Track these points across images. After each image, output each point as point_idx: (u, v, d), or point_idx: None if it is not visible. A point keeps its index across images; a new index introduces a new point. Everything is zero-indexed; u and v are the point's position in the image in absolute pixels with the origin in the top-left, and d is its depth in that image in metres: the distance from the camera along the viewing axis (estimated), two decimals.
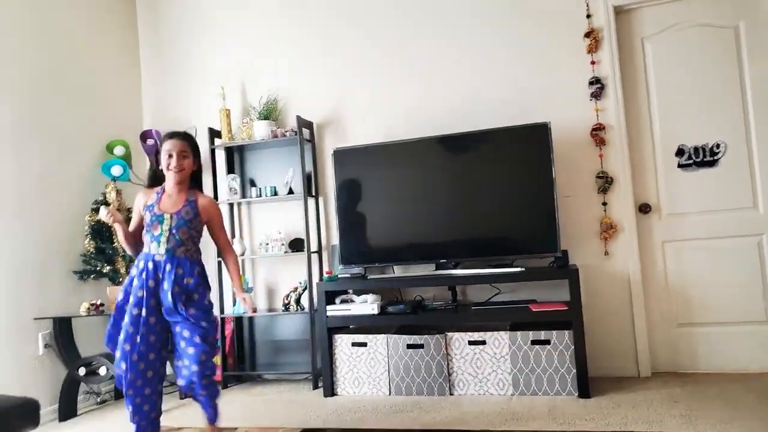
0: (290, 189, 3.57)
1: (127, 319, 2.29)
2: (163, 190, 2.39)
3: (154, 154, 2.43)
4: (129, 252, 2.47)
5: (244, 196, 3.73)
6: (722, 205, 3.15)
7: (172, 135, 2.39)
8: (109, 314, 3.23)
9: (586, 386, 2.84)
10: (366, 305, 3.19)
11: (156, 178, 2.46)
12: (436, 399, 3.01)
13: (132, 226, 2.46)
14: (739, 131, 3.13)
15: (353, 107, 3.66)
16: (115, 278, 3.46)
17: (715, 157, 3.16)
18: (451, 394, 3.06)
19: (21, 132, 3.19)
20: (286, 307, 3.53)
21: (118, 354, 2.30)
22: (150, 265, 2.31)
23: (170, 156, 2.33)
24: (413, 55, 3.56)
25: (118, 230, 2.41)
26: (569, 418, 2.55)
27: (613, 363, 3.19)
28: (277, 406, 3.10)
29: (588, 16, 3.26)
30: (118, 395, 3.47)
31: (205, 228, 2.46)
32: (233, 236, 3.78)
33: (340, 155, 3.38)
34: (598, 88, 3.21)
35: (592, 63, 3.25)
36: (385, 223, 3.33)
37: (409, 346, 3.11)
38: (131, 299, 2.30)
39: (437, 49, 3.52)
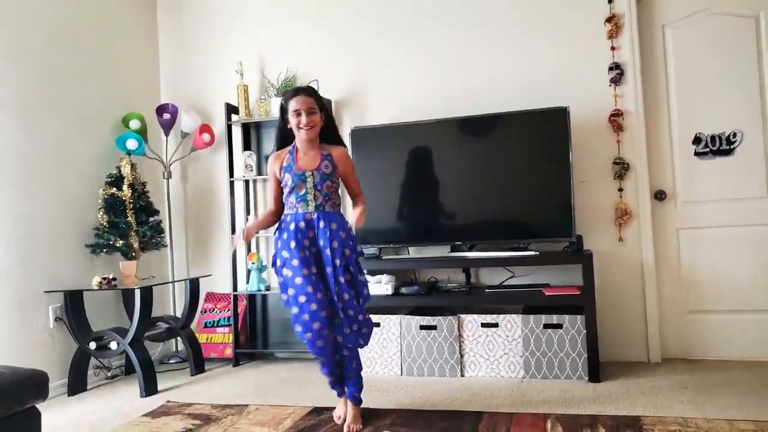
0: None
1: (299, 280, 2.24)
2: (296, 149, 2.35)
3: (280, 113, 2.34)
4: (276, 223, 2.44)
5: (259, 173, 3.72)
6: (737, 194, 3.15)
7: (297, 91, 2.31)
8: (122, 288, 3.28)
9: (596, 371, 2.87)
10: (380, 285, 3.20)
11: (285, 138, 2.39)
12: (448, 380, 3.03)
13: (273, 197, 2.43)
14: (756, 121, 3.13)
15: (372, 86, 3.64)
16: (127, 253, 3.45)
17: (732, 146, 3.16)
18: (463, 375, 3.08)
19: (35, 103, 3.17)
20: None
21: (302, 317, 2.23)
22: (302, 224, 2.29)
23: (299, 114, 2.27)
24: (434, 35, 3.54)
25: (257, 225, 2.41)
26: (579, 402, 2.57)
27: (624, 348, 3.21)
28: (288, 384, 3.12)
29: (609, 1, 3.23)
30: (129, 370, 3.48)
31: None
32: (248, 213, 3.78)
33: (358, 134, 3.37)
34: (617, 73, 3.20)
35: (612, 49, 3.23)
36: (401, 204, 3.34)
37: (422, 327, 3.12)
38: (294, 262, 2.26)
39: (458, 30, 3.50)
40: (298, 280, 2.25)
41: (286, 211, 2.37)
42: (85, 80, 3.49)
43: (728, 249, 3.16)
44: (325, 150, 2.36)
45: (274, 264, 2.38)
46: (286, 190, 2.34)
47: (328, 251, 2.28)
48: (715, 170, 3.18)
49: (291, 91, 2.35)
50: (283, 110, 2.33)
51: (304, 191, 2.29)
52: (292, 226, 2.30)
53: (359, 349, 2.44)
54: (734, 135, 3.16)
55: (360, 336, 2.38)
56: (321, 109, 2.33)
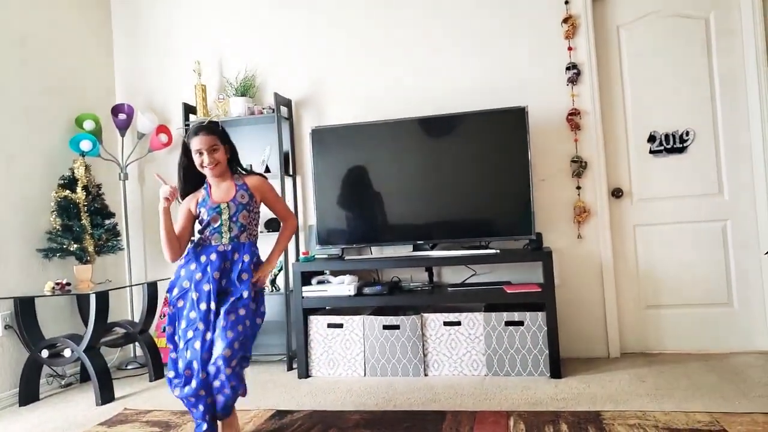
0: (267, 167, 3.51)
1: (194, 314, 2.18)
2: (209, 185, 2.29)
3: (182, 151, 2.28)
4: (168, 255, 2.29)
5: None
6: (690, 190, 3.24)
7: (197, 131, 2.23)
8: (76, 294, 3.18)
9: (557, 367, 2.90)
10: (343, 286, 3.17)
11: (190, 176, 2.29)
12: (411, 380, 3.03)
13: (178, 229, 2.30)
14: (707, 119, 3.22)
15: (332, 86, 3.62)
16: (82, 257, 3.34)
17: (685, 144, 3.25)
18: (426, 374, 3.08)
19: None
20: None
21: (185, 354, 2.17)
22: (213, 256, 2.22)
23: (201, 154, 2.21)
24: (392, 36, 3.54)
25: (163, 220, 2.24)
26: (541, 399, 2.60)
27: (584, 344, 3.27)
28: (250, 387, 3.04)
29: (566, 2, 3.29)
30: (84, 378, 3.37)
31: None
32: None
33: (319, 134, 3.34)
34: (574, 73, 3.25)
35: (569, 49, 3.29)
36: (363, 203, 3.32)
37: (385, 327, 3.11)
38: (193, 295, 2.19)
39: (416, 31, 3.51)
40: (192, 315, 2.19)
41: (198, 243, 2.29)
42: (35, 79, 3.37)
43: (683, 245, 3.25)
44: (239, 180, 2.31)
45: (169, 291, 2.29)
46: (201, 226, 2.29)
47: (237, 282, 2.23)
48: (670, 168, 3.26)
49: (192, 129, 2.27)
50: (186, 148, 2.26)
51: (218, 223, 2.23)
52: (203, 259, 2.23)
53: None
54: (687, 133, 3.24)
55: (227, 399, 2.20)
56: (224, 143, 2.27)
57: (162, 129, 3.72)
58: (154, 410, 2.76)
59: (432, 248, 3.29)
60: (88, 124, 3.53)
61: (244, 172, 2.37)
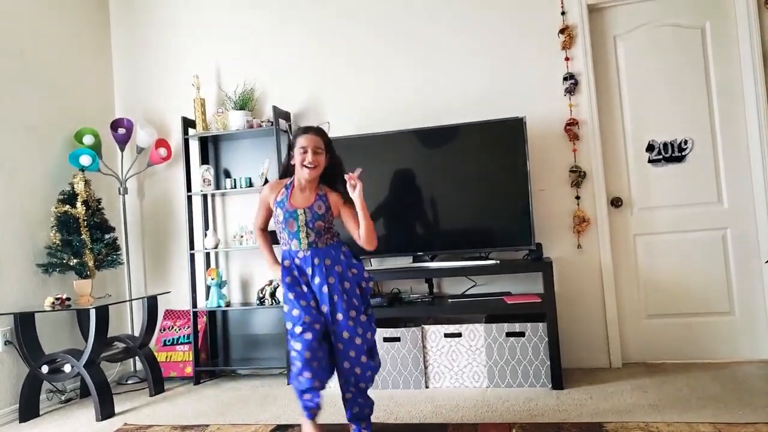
0: (266, 180, 3.51)
1: (297, 312, 2.21)
2: (293, 185, 2.31)
3: (288, 149, 2.34)
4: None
5: (218, 187, 3.67)
6: (689, 199, 3.24)
7: (307, 130, 2.28)
8: (76, 309, 3.17)
9: (559, 378, 2.89)
10: None
11: (287, 173, 2.35)
12: (412, 392, 3.01)
13: (260, 222, 2.42)
14: (705, 128, 3.23)
15: (331, 98, 3.63)
16: (82, 272, 3.34)
17: (683, 153, 3.25)
18: (427, 387, 3.07)
19: None
20: (261, 300, 3.48)
21: (295, 346, 2.19)
22: (297, 261, 2.26)
23: (305, 151, 2.23)
24: (390, 48, 3.56)
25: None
26: (543, 410, 2.58)
27: (586, 354, 3.25)
28: (250, 402, 3.05)
29: (562, 13, 3.31)
30: (84, 393, 3.36)
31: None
32: (206, 228, 3.71)
33: None
34: (572, 83, 3.26)
35: (566, 59, 3.30)
36: None
37: (386, 339, 3.10)
38: (291, 296, 2.24)
39: (415, 43, 3.52)
40: (295, 312, 2.22)
41: (281, 245, 2.33)
42: (35, 94, 3.39)
43: (683, 254, 3.24)
44: (322, 190, 2.31)
45: (286, 285, 2.31)
46: (278, 226, 2.31)
47: (325, 288, 2.23)
48: (669, 177, 3.26)
49: (302, 128, 2.33)
50: (290, 146, 2.31)
51: (296, 229, 2.25)
52: (287, 263, 2.28)
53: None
54: (685, 142, 3.25)
55: (363, 399, 2.30)
56: (327, 151, 2.30)
57: (161, 143, 3.74)
58: (155, 425, 2.74)
59: (432, 259, 3.29)
60: (88, 139, 3.54)
61: (328, 187, 2.33)
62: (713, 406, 2.48)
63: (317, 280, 2.23)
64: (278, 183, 2.34)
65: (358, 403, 2.30)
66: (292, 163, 2.29)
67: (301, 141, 2.25)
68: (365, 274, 2.33)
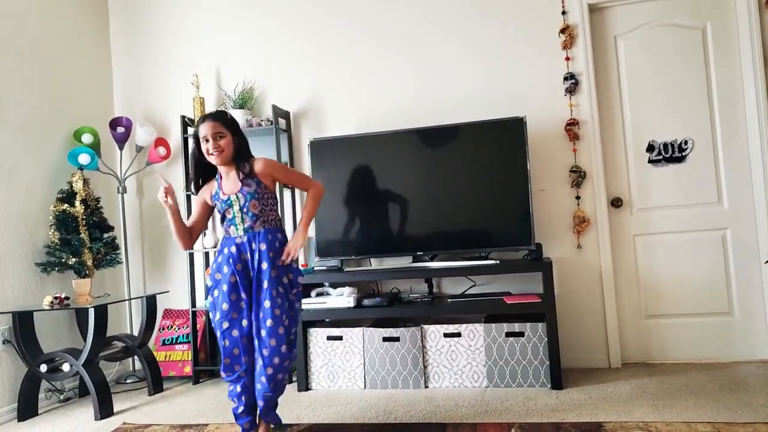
0: None
1: (226, 306, 2.27)
2: (220, 176, 2.34)
3: (194, 143, 2.34)
4: (180, 245, 2.40)
5: None
6: (689, 200, 3.24)
7: (204, 118, 2.29)
8: (75, 308, 3.17)
9: (558, 378, 2.88)
10: (342, 298, 3.16)
11: (201, 167, 2.36)
12: (411, 392, 3.01)
13: (191, 220, 2.42)
14: (706, 129, 3.23)
15: (330, 98, 3.63)
16: (80, 271, 3.34)
17: (683, 154, 3.25)
18: (426, 386, 3.06)
19: None
20: None
21: (223, 343, 2.29)
22: (233, 249, 2.28)
23: (206, 140, 2.25)
24: (390, 48, 3.55)
25: (170, 218, 2.34)
26: (542, 410, 2.58)
27: (585, 354, 3.25)
28: None
29: (563, 13, 3.30)
30: (83, 392, 3.36)
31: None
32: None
33: (317, 146, 3.35)
34: (572, 83, 3.26)
35: (567, 59, 3.29)
36: (362, 215, 3.31)
37: (385, 339, 3.10)
38: (224, 287, 2.27)
39: (415, 42, 3.52)
40: (225, 306, 2.27)
41: (223, 235, 2.38)
42: (34, 93, 3.38)
43: (683, 254, 3.24)
44: (244, 168, 2.31)
45: (210, 290, 2.36)
46: (221, 218, 2.35)
47: (260, 273, 2.27)
48: (669, 177, 3.26)
49: (199, 119, 2.33)
50: (196, 139, 2.31)
51: (231, 215, 2.30)
52: (226, 251, 2.31)
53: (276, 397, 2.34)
54: (685, 142, 3.24)
55: (275, 384, 2.27)
56: (232, 132, 2.30)
57: (160, 142, 3.73)
58: (153, 425, 2.74)
59: (431, 259, 3.28)
60: (87, 138, 3.53)
61: (245, 161, 2.33)
62: (712, 405, 2.48)
63: (256, 264, 2.27)
64: (211, 182, 2.37)
65: (265, 395, 2.28)
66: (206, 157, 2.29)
67: (201, 131, 2.27)
68: (294, 265, 2.36)
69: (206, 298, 3.63)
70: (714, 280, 3.21)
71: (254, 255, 2.28)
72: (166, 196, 2.28)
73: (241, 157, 2.32)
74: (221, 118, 2.30)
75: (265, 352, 2.23)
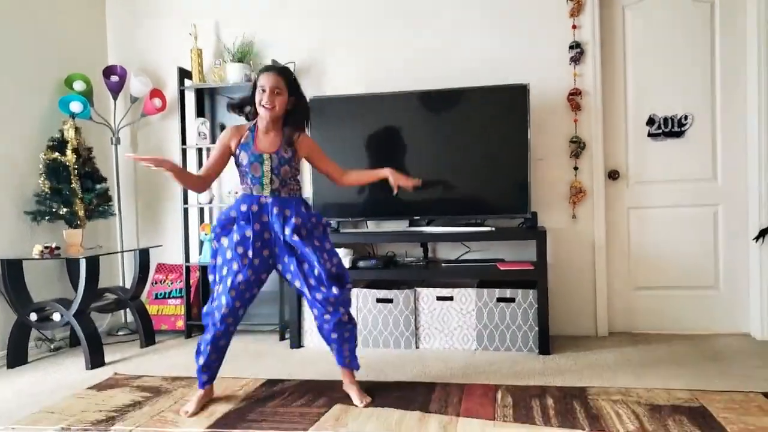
0: None
1: (229, 254, 2.22)
2: (257, 128, 2.25)
3: (252, 86, 2.25)
4: (197, 191, 2.42)
5: (213, 141, 3.59)
6: (685, 175, 3.27)
7: (268, 68, 2.22)
8: (66, 258, 3.14)
9: (546, 344, 2.94)
10: None
11: (246, 107, 2.27)
12: (403, 352, 3.06)
13: (208, 165, 2.28)
14: (706, 105, 3.23)
15: (332, 55, 3.56)
16: (72, 221, 3.29)
17: (683, 129, 3.26)
18: (417, 347, 3.12)
19: None
20: None
21: (216, 288, 2.25)
22: (255, 207, 2.21)
23: (263, 91, 2.17)
24: (395, 8, 3.47)
25: (180, 181, 2.28)
26: (529, 373, 2.64)
27: (573, 322, 3.32)
28: (242, 357, 3.07)
29: None
30: (74, 342, 3.36)
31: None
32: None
33: (317, 104, 3.28)
34: (577, 52, 3.23)
35: (574, 27, 3.25)
36: None
37: (379, 300, 3.13)
38: (234, 237, 2.22)
39: (420, 3, 3.44)
40: (235, 265, 2.22)
41: (243, 190, 2.30)
42: (23, 36, 3.26)
43: (675, 228, 3.29)
44: (288, 134, 2.26)
45: (215, 230, 2.29)
46: (240, 169, 2.27)
47: (281, 237, 2.23)
48: (666, 152, 3.28)
49: (265, 67, 2.27)
50: (254, 84, 2.24)
51: (260, 173, 2.22)
52: (244, 207, 2.23)
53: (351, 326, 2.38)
54: (686, 118, 3.25)
55: (340, 322, 2.32)
56: (291, 93, 2.23)
57: (156, 93, 3.64)
58: (145, 375, 2.76)
59: (428, 224, 3.29)
60: (79, 85, 3.44)
61: (295, 130, 2.28)
62: (692, 374, 2.56)
63: (276, 226, 2.23)
64: (241, 127, 2.28)
65: (338, 330, 2.33)
66: (257, 103, 2.22)
67: (261, 80, 2.20)
68: (323, 220, 2.35)
69: (201, 252, 3.62)
70: (703, 254, 3.27)
71: (278, 219, 2.22)
72: (159, 167, 2.11)
73: (294, 122, 2.27)
74: (286, 74, 2.24)
75: (323, 314, 2.28)
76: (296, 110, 2.27)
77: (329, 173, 2.41)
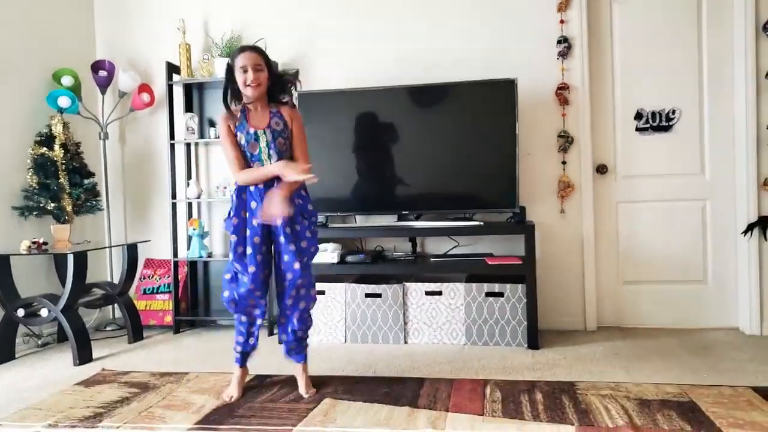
0: None
1: (250, 250, 2.28)
2: (247, 109, 2.29)
3: (226, 73, 2.29)
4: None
5: (202, 136, 3.59)
6: (673, 170, 3.27)
7: (243, 48, 2.25)
8: (53, 253, 3.12)
9: (535, 338, 2.95)
10: (326, 254, 3.17)
11: (233, 97, 2.31)
12: (391, 347, 3.06)
13: (234, 156, 2.29)
14: (693, 100, 3.24)
15: (319, 51, 3.55)
16: (60, 216, 3.27)
17: (671, 123, 3.27)
18: (406, 342, 3.12)
19: None
20: None
21: (244, 279, 2.31)
22: (261, 185, 2.26)
23: (245, 70, 2.20)
24: (383, 3, 3.46)
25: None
26: (518, 368, 2.65)
27: (562, 317, 3.33)
28: (230, 352, 3.03)
29: None
30: (61, 338, 3.34)
31: None
32: (189, 177, 3.65)
33: (304, 99, 3.28)
34: (565, 47, 3.23)
35: (561, 22, 3.25)
36: (348, 171, 3.28)
37: (367, 295, 3.13)
38: (245, 214, 2.30)
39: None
40: (248, 250, 2.28)
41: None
42: (11, 30, 3.23)
43: (663, 223, 3.30)
44: (273, 107, 2.32)
45: (229, 216, 2.34)
46: (242, 152, 2.30)
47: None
48: (654, 146, 3.28)
49: (238, 48, 2.29)
50: (230, 69, 2.27)
51: (258, 151, 2.26)
52: (252, 187, 2.28)
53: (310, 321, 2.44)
54: (673, 112, 3.26)
55: (303, 321, 2.40)
56: (268, 68, 2.27)
57: (144, 88, 3.62)
58: (133, 371, 2.75)
59: (416, 219, 3.29)
60: (67, 80, 3.41)
61: (280, 102, 2.33)
62: (680, 369, 2.57)
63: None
64: (230, 114, 2.30)
65: (295, 332, 2.40)
66: (236, 87, 2.26)
67: (240, 61, 2.22)
68: (309, 207, 2.37)
69: (189, 247, 3.61)
70: (691, 249, 3.28)
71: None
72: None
73: (277, 90, 2.31)
74: (261, 52, 2.27)
75: (289, 306, 2.36)
76: (275, 82, 2.31)
77: (296, 155, 2.37)
